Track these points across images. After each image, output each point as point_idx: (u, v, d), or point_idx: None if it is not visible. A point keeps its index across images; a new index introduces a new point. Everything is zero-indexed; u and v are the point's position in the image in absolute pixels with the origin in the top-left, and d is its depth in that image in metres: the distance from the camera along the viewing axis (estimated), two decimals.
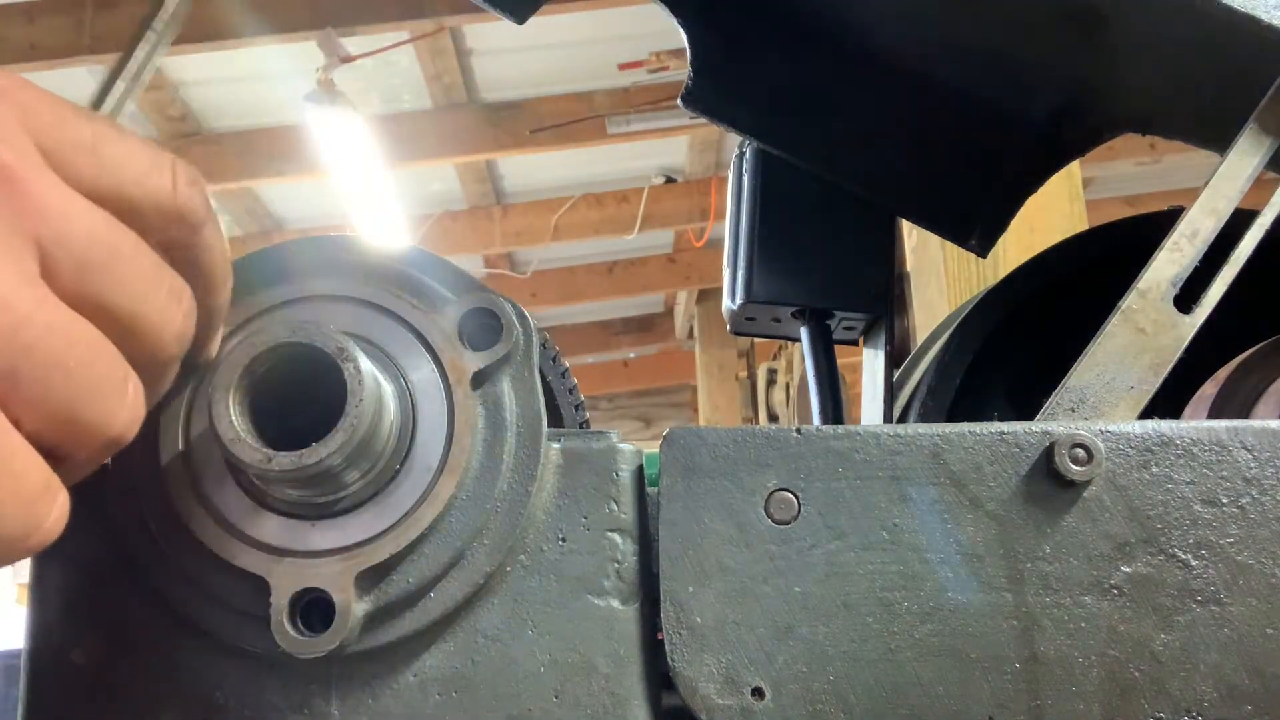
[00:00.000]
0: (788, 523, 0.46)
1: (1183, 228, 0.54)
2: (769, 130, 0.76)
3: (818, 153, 0.76)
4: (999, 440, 0.47)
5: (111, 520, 0.45)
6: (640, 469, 0.48)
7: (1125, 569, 0.46)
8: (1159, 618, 0.46)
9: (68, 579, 0.46)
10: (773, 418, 6.03)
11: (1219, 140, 0.58)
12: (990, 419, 0.48)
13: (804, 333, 0.80)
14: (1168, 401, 0.55)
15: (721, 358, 7.49)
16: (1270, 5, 0.54)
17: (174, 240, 0.38)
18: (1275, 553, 0.46)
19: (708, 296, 7.52)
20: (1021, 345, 0.78)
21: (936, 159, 0.76)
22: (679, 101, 0.75)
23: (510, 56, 4.91)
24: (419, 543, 0.44)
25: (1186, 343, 0.53)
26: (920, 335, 1.96)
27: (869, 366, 0.81)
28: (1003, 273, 0.81)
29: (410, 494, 0.44)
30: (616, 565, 0.47)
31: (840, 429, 0.47)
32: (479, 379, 0.46)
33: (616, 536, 0.47)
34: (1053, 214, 1.99)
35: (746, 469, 0.47)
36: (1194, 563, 0.46)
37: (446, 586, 0.45)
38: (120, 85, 3.18)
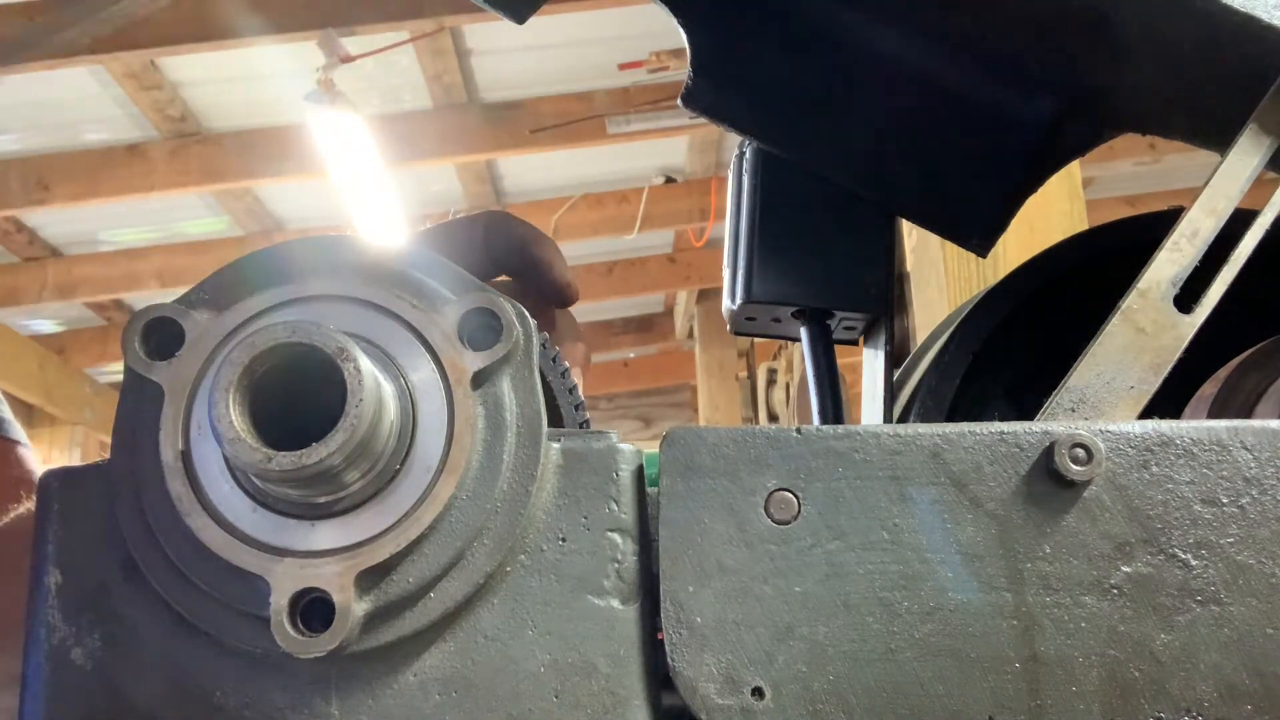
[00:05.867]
0: (788, 523, 0.46)
1: (1183, 228, 0.54)
2: (769, 130, 0.76)
3: (817, 152, 0.76)
4: (999, 440, 0.47)
5: (111, 520, 0.46)
6: (640, 469, 0.48)
7: (1125, 569, 0.46)
8: (1159, 618, 0.46)
9: (68, 579, 0.46)
10: (773, 418, 6.03)
11: (1219, 140, 0.58)
12: (990, 419, 0.48)
13: (804, 333, 0.80)
14: (1168, 401, 0.55)
15: (721, 358, 7.49)
16: (1270, 5, 0.54)
17: None
18: (1275, 553, 0.46)
19: (708, 296, 7.52)
20: (1021, 345, 0.78)
21: (936, 159, 0.76)
22: (679, 101, 0.75)
23: (510, 56, 4.92)
24: (419, 543, 0.44)
25: (1186, 343, 0.53)
26: (920, 335, 1.96)
27: (869, 366, 0.81)
28: (1003, 273, 0.81)
29: (410, 494, 0.44)
30: (616, 565, 0.47)
31: (840, 429, 0.47)
32: (479, 379, 0.46)
33: (616, 536, 0.47)
34: (1053, 214, 1.99)
35: (746, 469, 0.47)
36: (1194, 563, 0.46)
37: (446, 586, 0.45)
38: None
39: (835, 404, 0.79)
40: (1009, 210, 0.77)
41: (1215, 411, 0.61)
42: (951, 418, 0.76)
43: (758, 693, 0.45)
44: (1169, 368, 0.53)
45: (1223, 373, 0.63)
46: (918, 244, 2.22)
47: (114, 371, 7.60)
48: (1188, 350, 0.53)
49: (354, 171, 4.83)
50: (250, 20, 4.13)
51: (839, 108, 0.75)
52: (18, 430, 0.99)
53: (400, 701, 0.45)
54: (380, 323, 0.47)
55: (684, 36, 0.73)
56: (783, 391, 5.82)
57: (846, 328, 0.81)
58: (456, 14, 4.20)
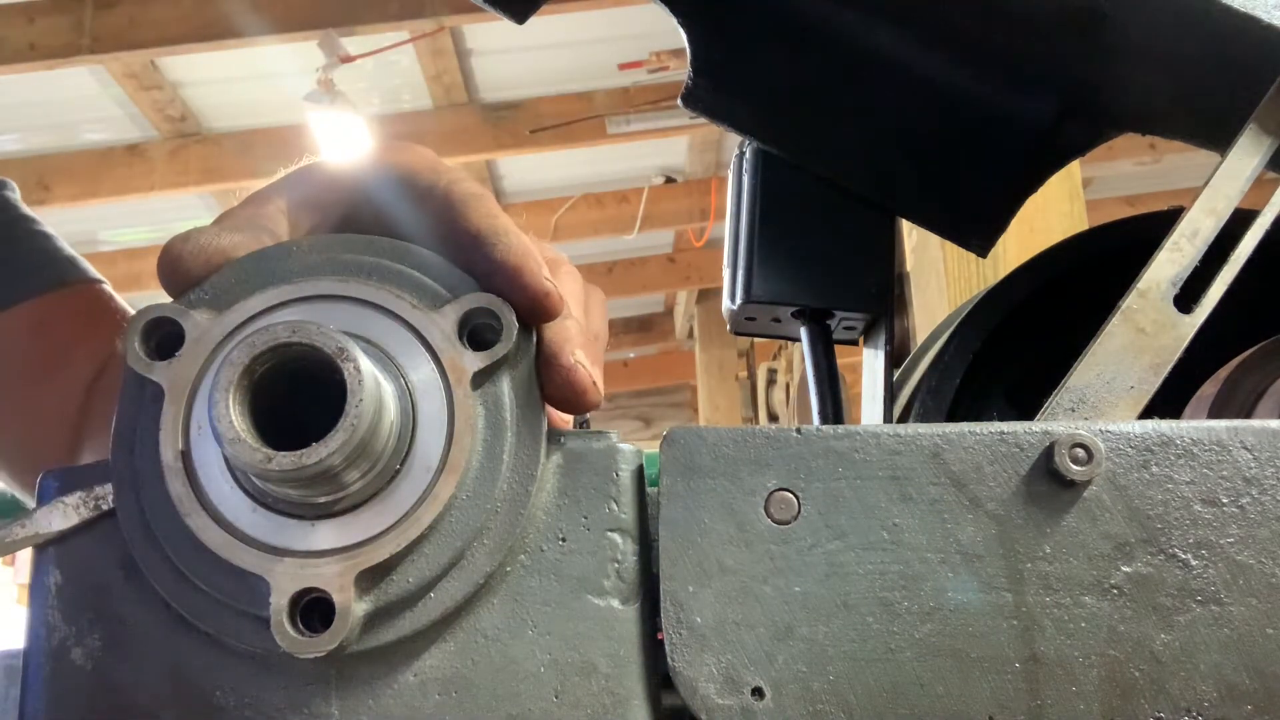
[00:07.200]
0: (788, 523, 0.46)
1: (1183, 228, 0.54)
2: (769, 130, 0.76)
3: (818, 153, 0.76)
4: (999, 440, 0.47)
5: (111, 520, 0.45)
6: (640, 469, 0.48)
7: (1125, 569, 0.46)
8: (1159, 618, 0.46)
9: (68, 579, 0.46)
10: (773, 418, 6.03)
11: (1219, 140, 0.58)
12: (990, 419, 0.48)
13: (804, 333, 0.80)
14: (1168, 402, 0.55)
15: (721, 358, 7.50)
16: (1270, 5, 0.54)
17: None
18: (1275, 553, 0.46)
19: (708, 296, 7.53)
20: (1021, 345, 0.78)
21: (936, 159, 0.76)
22: (679, 101, 0.75)
23: (510, 56, 4.91)
24: (419, 543, 0.44)
25: (1186, 343, 0.53)
26: (920, 335, 1.96)
27: (869, 366, 0.81)
28: (1003, 273, 0.81)
29: (410, 494, 0.44)
30: (616, 565, 0.47)
31: (840, 429, 0.47)
32: (479, 379, 0.46)
33: (616, 536, 0.47)
34: (1053, 214, 1.99)
35: (746, 469, 0.47)
36: (1194, 562, 0.46)
37: (446, 586, 0.45)
38: None
39: (835, 404, 0.79)
40: (1009, 210, 0.77)
41: (1215, 411, 0.61)
42: (951, 418, 0.76)
43: (758, 693, 0.45)
44: (1169, 368, 0.53)
45: (1223, 373, 0.63)
46: (918, 244, 2.22)
47: None
48: (1188, 350, 0.53)
49: None
50: (250, 20, 4.13)
51: (839, 108, 0.75)
52: (94, 271, 1.06)
53: (400, 701, 0.45)
54: (380, 323, 0.47)
55: (684, 36, 0.73)
56: (783, 391, 5.82)
57: (846, 328, 0.81)
58: (456, 14, 4.20)
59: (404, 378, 0.46)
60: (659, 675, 0.46)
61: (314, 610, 0.43)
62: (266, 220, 0.51)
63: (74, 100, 4.83)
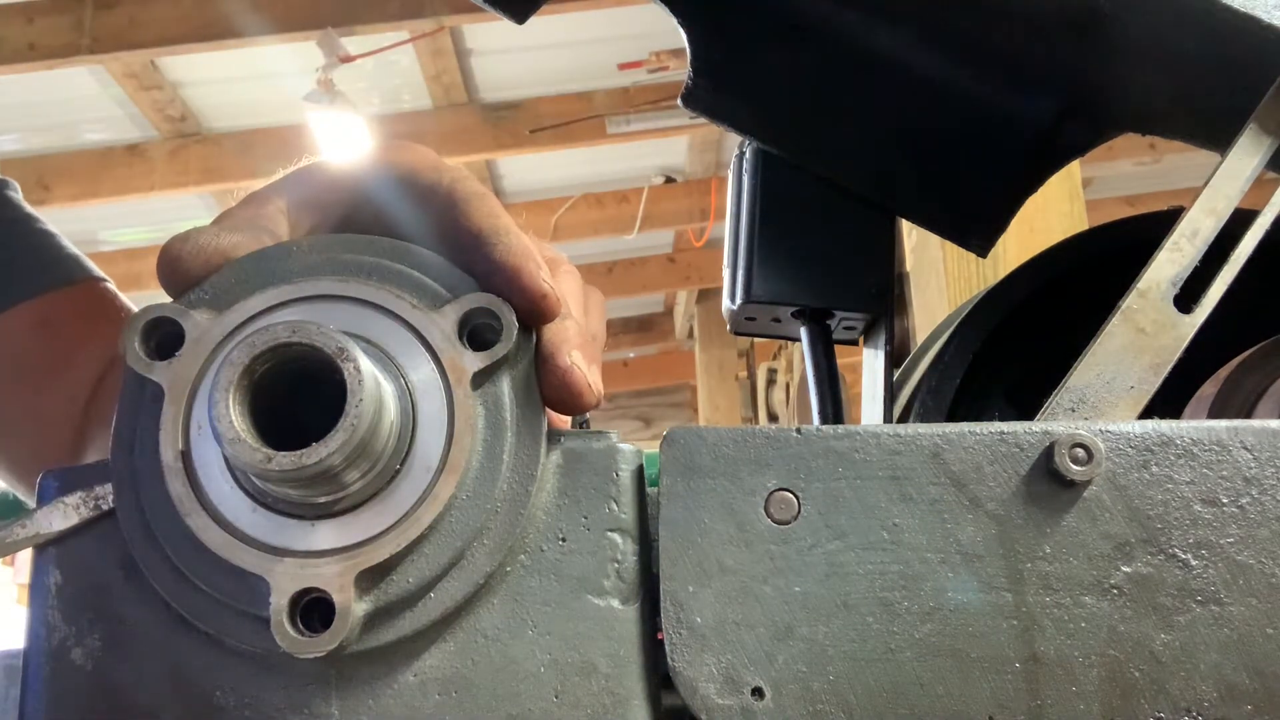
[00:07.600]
0: (788, 523, 0.46)
1: (1183, 228, 0.54)
2: (769, 130, 0.76)
3: (818, 153, 0.76)
4: (999, 440, 0.47)
5: (111, 520, 0.45)
6: (640, 469, 0.48)
7: (1125, 569, 0.46)
8: (1159, 618, 0.46)
9: (68, 579, 0.46)
10: (773, 418, 6.03)
11: (1219, 140, 0.58)
12: (990, 419, 0.48)
13: (804, 333, 0.80)
14: (1168, 402, 0.55)
15: (721, 358, 7.50)
16: (1270, 5, 0.54)
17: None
18: (1275, 553, 0.46)
19: (708, 296, 7.53)
20: (1021, 345, 0.78)
21: (936, 159, 0.76)
22: (679, 101, 0.75)
23: (510, 56, 4.92)
24: (419, 543, 0.44)
25: (1186, 343, 0.53)
26: (920, 335, 1.96)
27: (869, 366, 0.81)
28: (1003, 273, 0.81)
29: (410, 494, 0.44)
30: (616, 565, 0.47)
31: (840, 429, 0.47)
32: (479, 379, 0.46)
33: (616, 536, 0.47)
34: (1053, 214, 1.99)
35: (746, 469, 0.47)
36: (1194, 563, 0.46)
37: (446, 586, 0.45)
38: None
39: (835, 404, 0.79)
40: (1009, 210, 0.77)
41: (1215, 411, 0.61)
42: (951, 418, 0.76)
43: (758, 693, 0.45)
44: (1169, 368, 0.53)
45: (1223, 373, 0.63)
46: (918, 244, 2.22)
47: None
48: (1188, 350, 0.53)
49: None
50: (250, 20, 4.13)
51: (839, 108, 0.75)
52: (98, 269, 1.06)
53: (400, 701, 0.45)
54: (380, 323, 0.47)
55: (684, 36, 0.73)
56: (783, 391, 5.82)
57: (846, 328, 0.81)
58: (456, 14, 4.20)
59: (404, 378, 0.46)
60: (659, 675, 0.46)
61: (314, 610, 0.43)
62: (266, 220, 0.51)
63: (74, 100, 4.83)
